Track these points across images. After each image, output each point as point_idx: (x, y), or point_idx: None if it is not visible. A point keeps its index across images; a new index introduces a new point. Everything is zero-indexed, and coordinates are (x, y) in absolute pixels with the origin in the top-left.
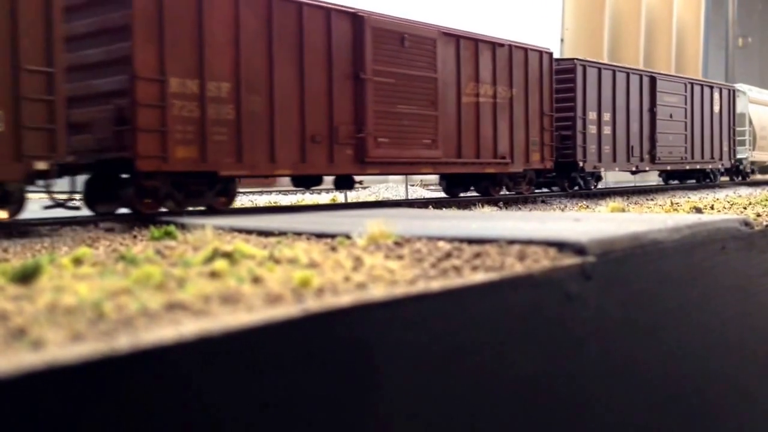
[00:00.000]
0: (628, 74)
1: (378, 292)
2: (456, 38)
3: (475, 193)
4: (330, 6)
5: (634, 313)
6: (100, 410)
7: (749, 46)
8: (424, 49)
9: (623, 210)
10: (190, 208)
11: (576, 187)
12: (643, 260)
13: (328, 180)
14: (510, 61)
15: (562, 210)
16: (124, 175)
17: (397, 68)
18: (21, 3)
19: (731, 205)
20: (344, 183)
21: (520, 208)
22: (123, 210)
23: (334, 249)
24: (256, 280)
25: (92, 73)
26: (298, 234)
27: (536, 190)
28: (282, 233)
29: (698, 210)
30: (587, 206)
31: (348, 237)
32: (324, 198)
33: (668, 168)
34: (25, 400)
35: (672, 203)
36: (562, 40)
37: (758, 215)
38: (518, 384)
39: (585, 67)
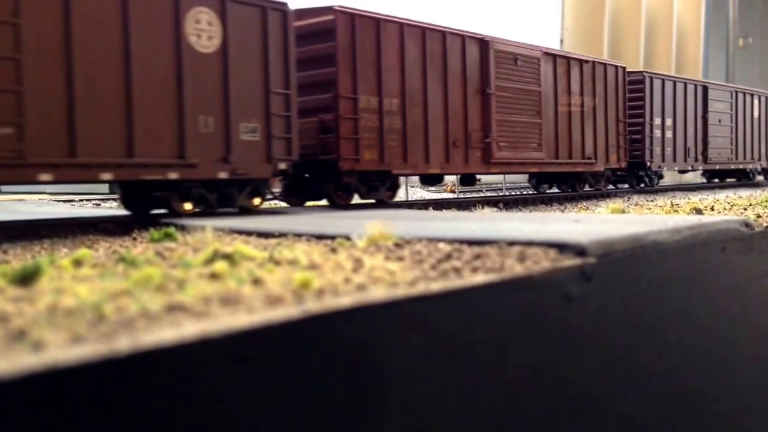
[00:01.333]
0: (685, 84)
1: (378, 293)
2: (554, 57)
3: (555, 190)
4: (464, 33)
5: (635, 313)
6: (101, 412)
7: (750, 46)
8: (531, 67)
9: (623, 211)
10: (355, 202)
11: (642, 184)
12: (643, 261)
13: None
14: (593, 75)
15: (562, 211)
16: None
17: (512, 83)
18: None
19: (731, 206)
20: (468, 180)
21: (520, 209)
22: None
23: (334, 250)
24: (257, 281)
25: (301, 92)
26: (298, 235)
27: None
28: (282, 235)
29: (698, 211)
30: (587, 207)
31: (348, 238)
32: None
33: (717, 167)
34: (26, 402)
35: (672, 204)
36: (561, 41)
37: (758, 216)
38: (519, 385)
39: (652, 79)
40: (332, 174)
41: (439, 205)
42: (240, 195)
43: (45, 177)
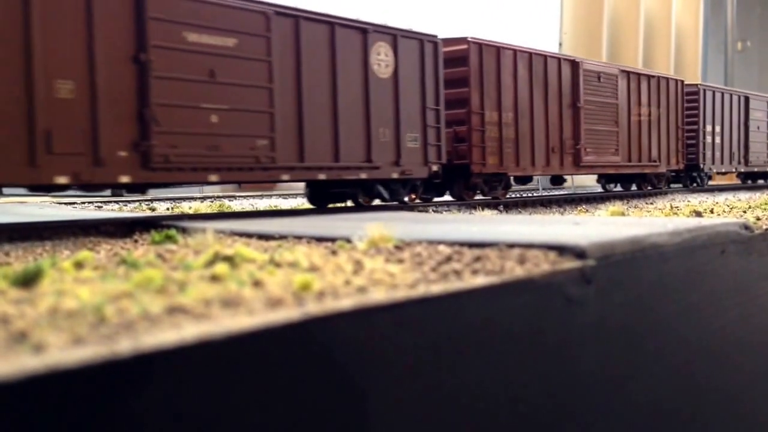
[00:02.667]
0: (731, 95)
1: (378, 295)
2: (627, 73)
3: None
4: (560, 56)
5: (634, 316)
6: (102, 414)
7: (748, 49)
8: (610, 83)
9: (623, 214)
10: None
11: (694, 184)
12: (643, 264)
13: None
14: (658, 88)
15: (562, 214)
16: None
17: (596, 97)
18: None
19: (731, 208)
20: (557, 181)
21: (520, 212)
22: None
23: (334, 253)
24: (257, 283)
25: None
26: (299, 238)
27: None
28: (282, 237)
29: (698, 214)
30: (587, 210)
31: (348, 241)
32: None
33: (755, 170)
34: (27, 404)
35: (672, 207)
36: (560, 45)
37: (758, 219)
38: (518, 387)
39: (705, 91)
40: (464, 176)
41: (438, 207)
42: (404, 191)
43: (285, 177)
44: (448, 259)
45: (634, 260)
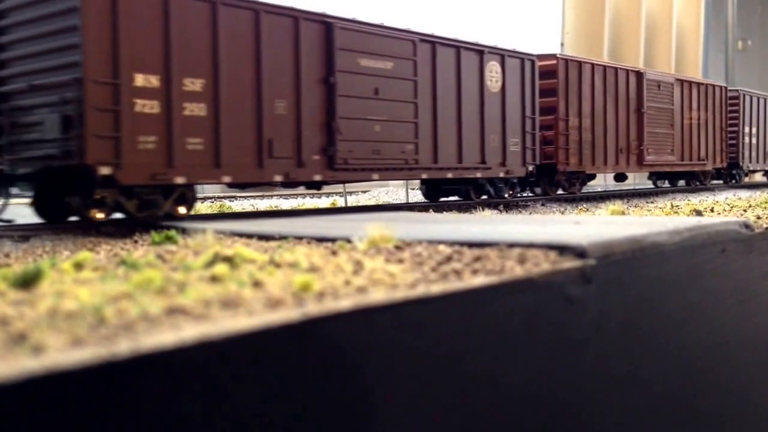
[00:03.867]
0: (765, 99)
1: (378, 296)
2: (681, 82)
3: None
4: (628, 68)
5: (635, 315)
6: (101, 415)
7: (749, 48)
8: (667, 90)
9: (623, 213)
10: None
11: (733, 180)
12: (643, 263)
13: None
14: (706, 94)
15: (562, 213)
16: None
17: (656, 104)
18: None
19: (731, 207)
20: (620, 178)
21: (520, 212)
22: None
23: (334, 253)
24: (257, 284)
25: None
26: (299, 238)
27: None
28: (282, 237)
29: (698, 213)
30: (587, 209)
31: (348, 241)
32: (324, 202)
33: None
34: (26, 406)
35: (672, 206)
36: (562, 44)
37: (758, 218)
38: (519, 388)
39: (744, 95)
40: (549, 174)
41: (438, 207)
42: (506, 188)
43: (424, 175)
44: (448, 259)
45: (635, 259)
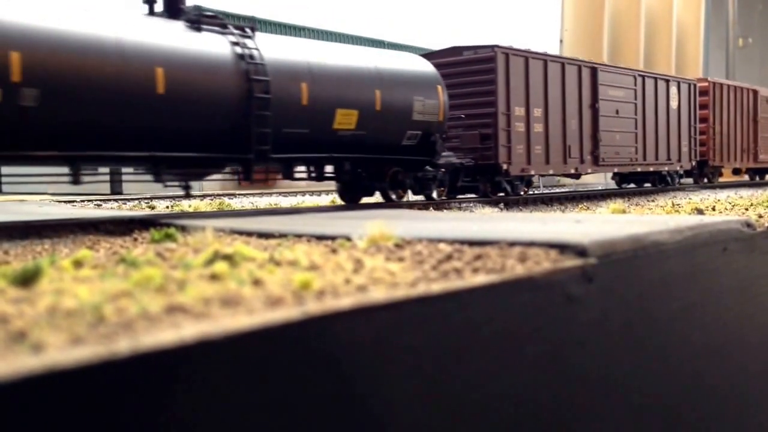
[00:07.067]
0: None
1: (378, 294)
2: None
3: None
4: (749, 87)
5: (636, 314)
6: (100, 414)
7: (749, 46)
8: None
9: (624, 211)
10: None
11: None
12: (644, 262)
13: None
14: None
15: (563, 211)
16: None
17: (763, 114)
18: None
19: (733, 206)
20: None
21: (521, 209)
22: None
23: (334, 251)
24: (257, 282)
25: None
26: (299, 236)
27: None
28: (282, 235)
29: (700, 211)
30: (588, 208)
31: (348, 239)
32: (324, 200)
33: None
34: (25, 404)
35: (673, 204)
36: (561, 41)
37: (760, 216)
38: (519, 387)
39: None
40: (701, 167)
41: (438, 207)
42: (678, 178)
43: (639, 169)
44: (449, 257)
45: (636, 258)
